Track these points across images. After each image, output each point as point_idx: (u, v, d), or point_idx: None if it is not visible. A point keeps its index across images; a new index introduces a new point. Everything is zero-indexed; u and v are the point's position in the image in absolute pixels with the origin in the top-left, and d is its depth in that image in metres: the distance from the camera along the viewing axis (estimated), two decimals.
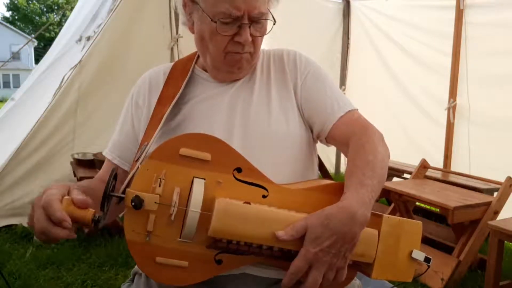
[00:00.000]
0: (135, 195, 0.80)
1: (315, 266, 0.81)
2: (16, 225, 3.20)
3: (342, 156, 5.08)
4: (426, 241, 2.93)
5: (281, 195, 0.89)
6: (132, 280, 1.07)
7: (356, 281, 1.04)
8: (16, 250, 2.88)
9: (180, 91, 1.05)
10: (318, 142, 1.11)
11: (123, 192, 0.82)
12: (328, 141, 1.06)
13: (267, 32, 1.03)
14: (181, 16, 1.08)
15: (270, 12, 1.01)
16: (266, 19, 1.00)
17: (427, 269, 0.97)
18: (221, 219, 0.80)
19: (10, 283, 2.35)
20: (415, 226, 0.93)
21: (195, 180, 0.84)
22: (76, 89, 3.32)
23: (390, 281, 1.15)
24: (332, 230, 0.80)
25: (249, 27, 0.97)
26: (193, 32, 1.05)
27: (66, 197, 0.79)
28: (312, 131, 1.07)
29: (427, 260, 0.91)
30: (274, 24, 1.02)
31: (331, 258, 0.81)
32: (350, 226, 0.81)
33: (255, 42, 1.01)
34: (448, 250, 2.72)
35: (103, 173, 1.09)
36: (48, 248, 2.90)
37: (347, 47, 5.05)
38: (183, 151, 0.84)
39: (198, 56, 1.13)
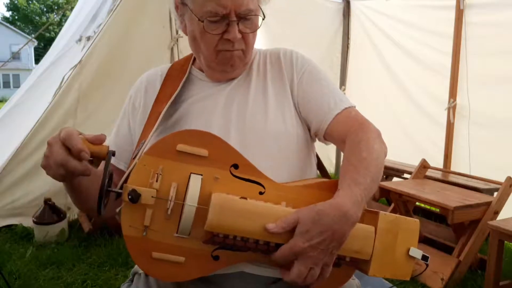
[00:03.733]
0: (132, 188, 0.81)
1: (300, 260, 0.81)
2: (16, 225, 3.20)
3: (342, 156, 5.07)
4: (426, 241, 2.93)
5: (278, 192, 0.90)
6: (132, 280, 1.08)
7: (355, 281, 1.04)
8: (16, 250, 2.88)
9: (177, 90, 1.05)
10: (317, 140, 1.11)
11: (121, 188, 0.83)
12: (326, 138, 1.06)
13: (257, 27, 1.03)
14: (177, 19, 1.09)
15: (260, 8, 1.01)
16: (256, 15, 1.00)
17: (425, 268, 0.97)
18: (217, 213, 0.81)
19: (10, 283, 2.35)
20: (413, 224, 0.92)
21: (192, 175, 0.84)
22: (76, 89, 3.32)
23: (389, 281, 1.15)
24: (322, 226, 0.80)
25: (237, 24, 0.97)
26: (186, 34, 1.06)
27: (80, 135, 0.83)
28: (309, 130, 1.07)
29: (424, 258, 0.91)
30: (263, 19, 1.02)
31: (318, 254, 0.81)
32: (341, 224, 0.81)
33: (246, 39, 1.01)
34: (448, 250, 2.72)
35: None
36: (48, 248, 2.90)
37: (347, 47, 5.05)
38: (180, 147, 0.85)
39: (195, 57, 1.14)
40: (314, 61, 1.11)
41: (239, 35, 0.98)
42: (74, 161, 0.80)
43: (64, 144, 0.80)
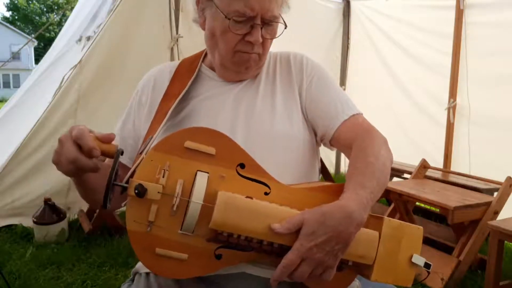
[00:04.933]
0: (138, 183, 0.81)
1: (306, 261, 0.81)
2: (16, 225, 3.20)
3: (342, 156, 5.08)
4: (426, 241, 2.93)
5: (283, 193, 0.90)
6: (132, 280, 1.07)
7: (355, 282, 1.04)
8: (16, 250, 2.87)
9: (186, 88, 1.06)
10: (322, 145, 1.11)
11: (127, 182, 0.83)
12: (332, 144, 1.06)
13: (277, 35, 1.04)
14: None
15: (282, 17, 1.02)
16: (277, 22, 1.02)
17: (427, 275, 0.96)
18: (222, 212, 0.81)
19: (10, 283, 2.34)
20: (416, 231, 0.92)
21: (199, 173, 0.84)
22: (76, 89, 3.32)
23: None
24: (327, 227, 0.80)
25: (261, 28, 0.98)
26: (203, 29, 1.07)
27: (91, 133, 0.85)
28: (316, 134, 1.07)
29: (427, 265, 0.91)
30: (285, 28, 1.03)
31: (323, 256, 0.81)
32: (346, 226, 0.81)
33: (264, 44, 1.02)
34: (448, 250, 2.72)
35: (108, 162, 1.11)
36: (48, 248, 2.90)
37: (347, 47, 5.05)
38: (188, 144, 0.85)
39: (205, 55, 1.14)
40: (323, 67, 1.12)
41: (261, 39, 0.99)
42: (84, 158, 0.82)
43: (76, 142, 0.82)
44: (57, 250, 2.88)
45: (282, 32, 1.04)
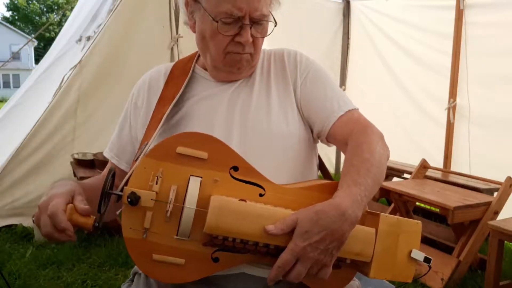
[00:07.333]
0: (131, 191, 0.81)
1: (301, 261, 0.81)
2: (16, 225, 3.20)
3: (342, 156, 5.08)
4: (426, 241, 2.93)
5: (278, 194, 0.90)
6: (132, 280, 1.08)
7: (355, 282, 1.04)
8: (16, 250, 2.88)
9: (181, 90, 1.05)
10: (319, 142, 1.11)
11: (121, 190, 0.83)
12: (328, 140, 1.06)
13: (267, 34, 1.03)
14: (183, 15, 1.09)
15: (272, 14, 1.02)
16: (267, 21, 1.01)
17: (428, 270, 0.96)
18: (216, 216, 0.81)
19: (10, 283, 2.35)
20: (414, 226, 0.92)
21: (191, 178, 0.84)
22: (76, 89, 3.32)
23: (389, 281, 1.15)
24: (321, 226, 0.80)
25: (250, 28, 0.98)
26: (194, 31, 1.06)
27: (70, 205, 0.84)
28: (312, 131, 1.07)
29: (427, 260, 0.90)
30: (275, 26, 1.02)
31: (318, 255, 0.81)
32: (340, 224, 0.81)
33: (255, 43, 1.01)
34: (448, 250, 2.72)
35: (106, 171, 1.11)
36: (48, 248, 2.90)
37: (347, 47, 5.05)
38: (180, 149, 0.85)
39: (199, 55, 1.14)
40: (318, 63, 1.11)
41: (251, 39, 0.98)
42: (59, 234, 0.83)
43: (50, 220, 0.83)
44: (57, 250, 2.88)
45: (273, 30, 1.03)
